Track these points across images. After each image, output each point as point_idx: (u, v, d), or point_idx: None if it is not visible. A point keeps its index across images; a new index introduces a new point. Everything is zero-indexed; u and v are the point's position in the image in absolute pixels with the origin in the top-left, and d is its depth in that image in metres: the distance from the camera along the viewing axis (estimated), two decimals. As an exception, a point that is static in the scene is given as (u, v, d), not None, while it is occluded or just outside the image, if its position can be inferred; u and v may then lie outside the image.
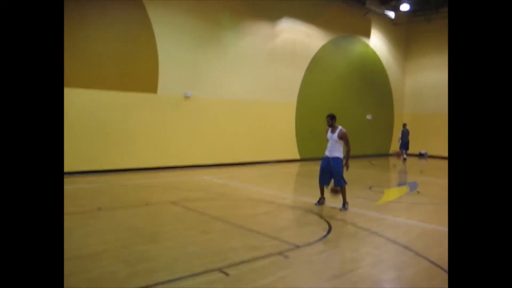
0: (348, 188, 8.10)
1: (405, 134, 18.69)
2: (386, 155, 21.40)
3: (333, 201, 8.32)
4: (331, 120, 7.94)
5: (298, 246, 5.43)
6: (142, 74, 12.52)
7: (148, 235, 5.93)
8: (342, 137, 7.84)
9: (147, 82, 12.61)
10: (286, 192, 9.93)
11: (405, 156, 18.71)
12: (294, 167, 15.50)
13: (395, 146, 21.93)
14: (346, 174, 8.17)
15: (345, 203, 7.94)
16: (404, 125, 19.06)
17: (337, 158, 7.89)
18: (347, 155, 7.99)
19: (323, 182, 8.16)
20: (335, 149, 7.94)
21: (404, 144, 18.65)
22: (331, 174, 7.96)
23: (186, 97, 13.49)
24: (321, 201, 8.23)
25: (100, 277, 4.23)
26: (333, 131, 7.93)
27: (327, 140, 8.10)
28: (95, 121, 11.57)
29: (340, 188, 7.91)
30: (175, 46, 13.12)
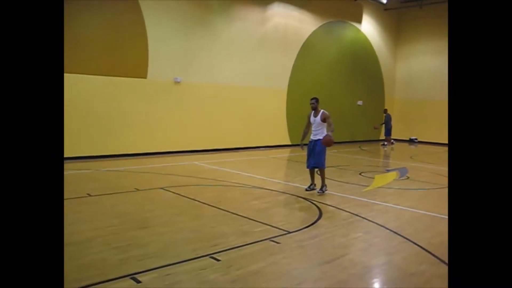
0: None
1: (388, 120, 18.93)
2: (377, 140, 21.49)
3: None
4: (317, 103, 8.08)
5: (288, 232, 5.45)
6: (132, 59, 12.37)
7: (138, 221, 5.91)
8: (326, 118, 7.96)
9: (136, 67, 12.47)
10: (277, 177, 9.94)
11: (392, 141, 19.11)
12: (285, 152, 15.51)
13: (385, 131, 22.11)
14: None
15: (323, 186, 8.09)
16: (385, 110, 19.29)
17: (320, 140, 7.97)
18: (331, 132, 7.92)
19: (309, 166, 8.25)
20: (319, 132, 8.05)
21: (388, 130, 18.96)
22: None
23: (176, 82, 13.37)
24: (311, 187, 8.27)
25: (90, 264, 4.22)
26: (315, 114, 8.07)
27: (309, 124, 8.23)
28: (84, 107, 11.44)
29: (320, 170, 8.06)
30: (164, 31, 12.96)
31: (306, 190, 8.25)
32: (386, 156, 16.39)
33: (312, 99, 8.14)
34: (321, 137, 7.96)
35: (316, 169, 8.24)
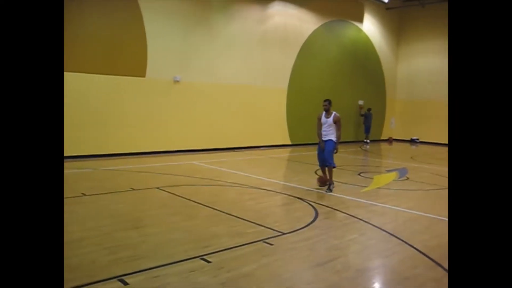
0: (337, 174, 8.25)
1: (367, 118, 19.55)
2: (378, 140, 21.38)
3: (318, 186, 8.31)
4: (329, 105, 8.32)
5: (283, 233, 5.37)
6: (130, 57, 12.30)
7: (131, 221, 5.84)
8: (337, 121, 8.24)
9: (135, 65, 12.40)
10: (275, 177, 9.86)
11: (367, 140, 19.68)
12: (285, 152, 15.43)
13: (387, 132, 22.00)
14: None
15: (330, 184, 8.29)
16: (369, 109, 19.80)
17: (330, 141, 8.27)
18: (338, 140, 8.29)
19: (322, 164, 8.50)
20: (329, 133, 8.32)
21: (367, 129, 19.60)
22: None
23: (176, 81, 13.30)
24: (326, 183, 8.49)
25: (79, 265, 4.15)
26: (327, 116, 8.30)
27: (321, 125, 8.41)
28: (82, 105, 11.38)
29: (329, 169, 8.30)
30: (163, 29, 12.88)
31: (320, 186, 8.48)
32: (387, 156, 16.28)
33: (325, 100, 8.38)
34: (331, 138, 8.26)
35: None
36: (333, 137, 8.27)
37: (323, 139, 8.35)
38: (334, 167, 8.26)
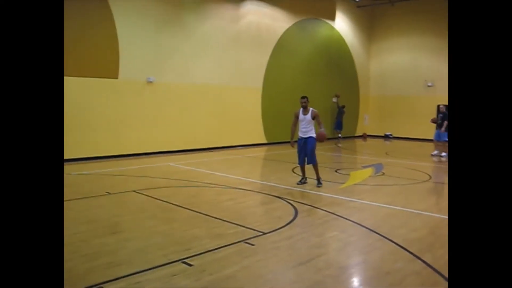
0: (314, 172, 8.26)
1: (340, 113, 19.60)
2: (352, 137, 21.61)
3: (304, 185, 8.32)
4: (307, 102, 8.39)
5: (263, 233, 5.34)
6: (102, 59, 12.05)
7: (108, 226, 5.71)
8: (315, 116, 8.31)
9: (107, 67, 12.15)
10: (253, 177, 9.83)
11: (340, 135, 19.54)
12: (261, 151, 15.41)
13: (361, 128, 22.27)
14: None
15: (319, 179, 8.46)
16: (343, 106, 19.82)
17: (311, 138, 8.34)
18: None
19: (301, 162, 8.55)
20: (308, 130, 8.37)
21: (339, 124, 19.62)
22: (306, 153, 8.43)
23: (149, 82, 13.11)
24: (303, 181, 8.61)
25: (55, 274, 4.01)
26: (305, 112, 8.37)
27: (296, 122, 8.53)
28: (53, 109, 11.08)
29: (314, 167, 8.41)
30: (135, 29, 12.67)
31: (298, 183, 8.54)
32: (362, 153, 16.46)
33: (302, 97, 8.42)
34: (311, 135, 8.32)
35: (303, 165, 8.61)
36: (312, 134, 8.34)
37: (303, 136, 8.38)
38: (315, 163, 8.36)
